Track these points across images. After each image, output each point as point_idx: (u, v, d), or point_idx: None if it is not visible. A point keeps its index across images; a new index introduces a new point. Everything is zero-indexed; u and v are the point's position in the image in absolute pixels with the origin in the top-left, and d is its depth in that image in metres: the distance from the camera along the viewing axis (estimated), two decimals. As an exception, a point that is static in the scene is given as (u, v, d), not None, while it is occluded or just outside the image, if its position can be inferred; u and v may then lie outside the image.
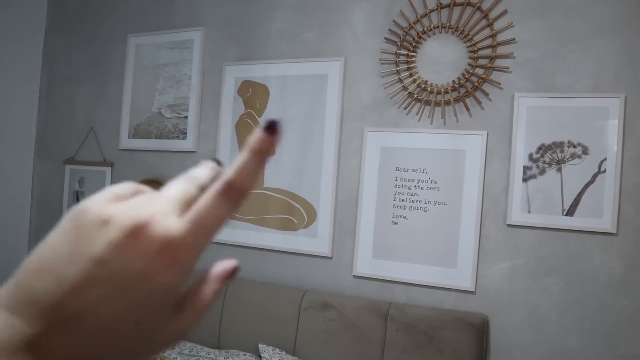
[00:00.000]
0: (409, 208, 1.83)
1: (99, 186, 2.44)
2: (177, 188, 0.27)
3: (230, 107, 2.15)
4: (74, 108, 2.56)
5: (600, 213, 1.61)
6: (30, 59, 2.63)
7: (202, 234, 0.26)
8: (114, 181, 2.42)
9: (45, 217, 2.62)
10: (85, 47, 2.56)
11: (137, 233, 0.24)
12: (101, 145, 2.46)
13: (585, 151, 1.64)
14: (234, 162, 0.26)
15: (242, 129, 2.12)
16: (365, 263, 1.88)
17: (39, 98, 2.67)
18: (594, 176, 1.62)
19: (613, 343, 1.59)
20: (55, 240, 0.25)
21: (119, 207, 0.26)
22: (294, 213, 2.00)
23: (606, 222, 1.60)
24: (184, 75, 2.25)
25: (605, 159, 1.61)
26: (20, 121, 2.60)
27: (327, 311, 1.81)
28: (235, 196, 0.26)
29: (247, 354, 1.79)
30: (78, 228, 0.25)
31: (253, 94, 2.10)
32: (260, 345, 1.81)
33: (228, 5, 2.21)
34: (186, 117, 2.23)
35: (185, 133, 2.23)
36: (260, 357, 1.78)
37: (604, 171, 1.61)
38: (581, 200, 1.63)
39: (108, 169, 2.42)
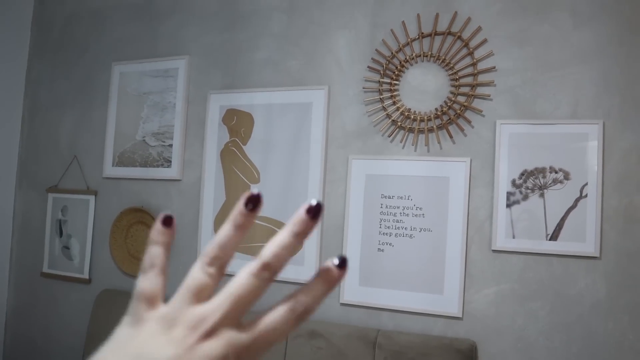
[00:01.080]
0: (395, 235, 1.83)
1: (82, 215, 2.41)
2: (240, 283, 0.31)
3: (215, 135, 2.14)
4: (57, 135, 2.54)
5: (583, 237, 1.63)
6: (13, 85, 2.61)
7: (263, 343, 0.30)
8: (97, 209, 2.39)
9: (26, 246, 2.57)
10: (69, 74, 2.54)
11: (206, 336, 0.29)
12: (85, 173, 2.44)
13: (566, 176, 1.66)
14: (303, 288, 0.32)
15: (227, 157, 2.12)
16: (352, 290, 1.88)
17: (21, 125, 2.64)
18: (576, 201, 1.65)
19: (600, 367, 1.59)
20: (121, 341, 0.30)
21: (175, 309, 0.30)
22: (280, 241, 1.99)
23: (589, 246, 1.62)
24: (169, 103, 2.25)
25: (586, 184, 1.64)
26: (1, 148, 2.57)
27: (314, 339, 1.80)
28: (302, 318, 0.31)
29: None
30: (139, 330, 0.29)
31: (238, 122, 2.11)
32: (247, 377, 1.78)
33: (212, 34, 2.22)
34: (171, 145, 2.23)
35: (170, 161, 2.22)
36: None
37: (586, 196, 1.64)
38: (564, 225, 1.65)
39: (92, 197, 2.40)
